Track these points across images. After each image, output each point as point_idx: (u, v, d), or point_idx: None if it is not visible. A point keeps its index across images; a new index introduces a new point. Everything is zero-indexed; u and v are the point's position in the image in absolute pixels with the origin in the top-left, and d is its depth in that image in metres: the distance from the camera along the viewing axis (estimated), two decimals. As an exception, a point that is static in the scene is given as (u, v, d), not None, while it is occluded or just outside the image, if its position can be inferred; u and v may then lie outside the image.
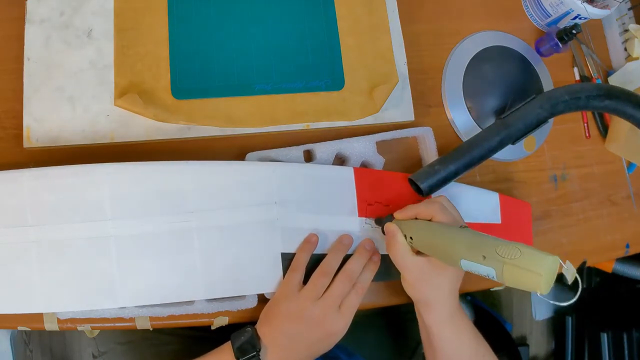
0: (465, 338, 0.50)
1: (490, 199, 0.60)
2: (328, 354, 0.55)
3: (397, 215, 0.51)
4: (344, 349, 0.60)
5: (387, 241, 0.50)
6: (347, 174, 0.53)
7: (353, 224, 0.53)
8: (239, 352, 0.45)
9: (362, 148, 0.56)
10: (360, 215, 0.53)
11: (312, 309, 0.47)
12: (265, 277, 0.50)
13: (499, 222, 0.60)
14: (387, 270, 0.54)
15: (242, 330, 0.47)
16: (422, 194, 0.52)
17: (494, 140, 0.51)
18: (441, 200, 0.49)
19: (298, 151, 0.54)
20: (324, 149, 0.55)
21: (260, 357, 0.45)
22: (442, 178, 0.51)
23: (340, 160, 0.57)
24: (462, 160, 0.51)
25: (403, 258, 0.48)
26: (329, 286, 0.48)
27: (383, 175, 0.55)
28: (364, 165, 0.57)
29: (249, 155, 0.53)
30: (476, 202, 0.59)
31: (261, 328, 0.47)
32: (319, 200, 0.52)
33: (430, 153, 0.59)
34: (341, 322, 0.48)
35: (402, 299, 0.57)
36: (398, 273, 0.54)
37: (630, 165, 0.70)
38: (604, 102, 0.51)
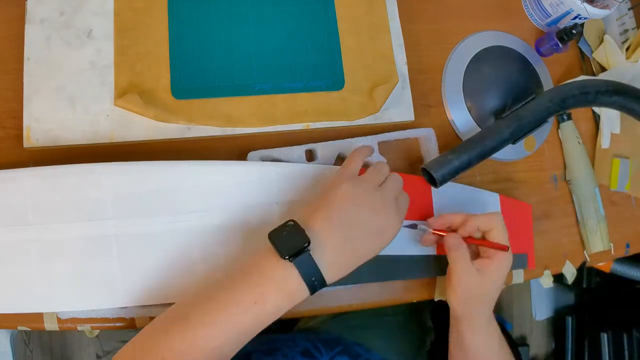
0: (495, 345, 0.51)
1: (490, 200, 0.60)
2: (351, 351, 0.55)
3: (459, 229, 0.52)
4: (362, 347, 0.60)
5: (450, 253, 0.50)
6: None
7: None
8: (285, 250, 0.38)
9: (363, 148, 0.56)
10: None
11: (375, 193, 0.44)
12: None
13: None
14: (390, 271, 0.54)
15: (282, 225, 0.41)
16: (436, 184, 0.51)
17: (506, 132, 0.51)
18: (500, 218, 0.50)
19: (300, 151, 0.54)
20: (325, 149, 0.55)
21: (310, 251, 0.39)
22: (455, 168, 0.51)
23: (342, 160, 0.57)
24: (475, 150, 0.51)
25: (459, 267, 0.49)
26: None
27: None
28: (366, 165, 0.57)
29: (250, 154, 0.53)
30: (477, 203, 0.59)
31: (314, 215, 0.41)
32: (319, 201, 0.52)
33: (431, 154, 0.59)
34: (398, 216, 0.44)
35: (410, 297, 0.57)
36: (403, 274, 0.54)
37: (630, 165, 0.70)
38: (612, 97, 0.51)
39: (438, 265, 0.56)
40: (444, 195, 0.57)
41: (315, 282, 0.39)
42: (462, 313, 0.51)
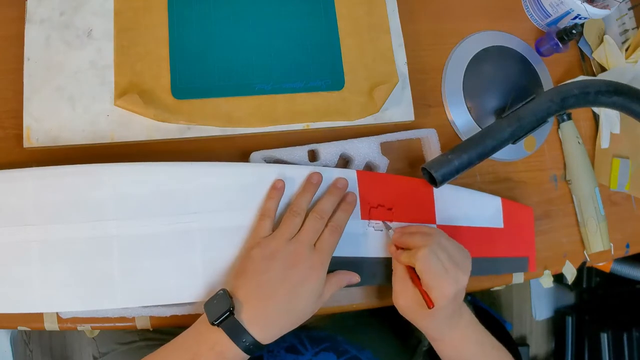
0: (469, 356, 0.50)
1: (492, 203, 0.60)
2: (339, 347, 0.55)
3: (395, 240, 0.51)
4: (354, 344, 0.60)
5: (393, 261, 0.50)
6: (350, 176, 0.53)
7: (356, 227, 0.52)
8: (212, 315, 0.41)
9: (366, 149, 0.56)
10: (363, 218, 0.53)
11: (286, 247, 0.44)
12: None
13: (502, 226, 0.60)
14: (389, 274, 0.54)
15: (214, 294, 0.44)
16: (436, 184, 0.51)
17: (506, 132, 0.51)
18: (431, 245, 0.47)
19: (302, 151, 0.54)
20: (328, 150, 0.55)
21: (235, 315, 0.42)
22: (455, 168, 0.51)
23: (344, 161, 0.57)
24: (476, 150, 0.51)
25: (397, 284, 0.49)
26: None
27: (386, 179, 0.55)
28: (368, 165, 0.57)
29: (253, 154, 0.53)
30: (479, 206, 0.59)
31: (235, 283, 0.44)
32: (321, 203, 0.52)
33: (434, 154, 0.59)
34: (316, 259, 0.45)
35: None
36: None
37: (630, 165, 0.71)
38: (612, 98, 0.51)
39: None
40: (446, 198, 0.57)
41: (247, 343, 0.41)
42: (411, 320, 0.50)
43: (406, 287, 0.48)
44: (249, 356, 0.42)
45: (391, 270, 0.52)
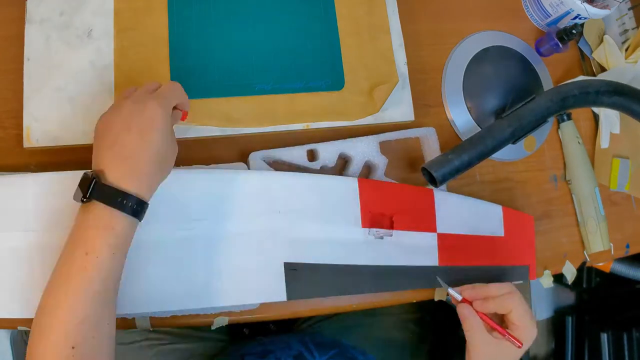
0: None
1: (493, 212, 0.60)
2: (346, 353, 0.54)
3: (469, 296, 0.52)
4: (358, 350, 0.60)
5: (463, 324, 0.51)
6: (351, 184, 0.53)
7: (356, 234, 0.52)
8: (81, 195, 0.39)
9: (365, 148, 0.56)
10: (363, 225, 0.53)
11: (124, 102, 0.42)
12: (267, 286, 0.49)
13: (502, 234, 0.60)
14: (388, 282, 0.54)
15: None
16: (436, 184, 0.51)
17: (506, 132, 0.51)
18: (517, 293, 0.50)
19: (301, 151, 0.54)
20: (327, 149, 0.55)
21: (102, 182, 0.39)
22: (455, 167, 0.50)
23: (343, 160, 0.57)
24: (476, 150, 0.51)
25: (475, 338, 0.49)
26: None
27: (387, 186, 0.55)
28: (367, 165, 0.57)
29: (252, 154, 0.53)
30: (480, 215, 0.59)
31: (93, 162, 0.42)
32: (322, 210, 0.52)
33: (433, 153, 0.59)
34: (154, 101, 0.42)
35: (410, 297, 0.57)
36: (406, 284, 0.54)
37: (630, 165, 0.70)
38: (612, 98, 0.51)
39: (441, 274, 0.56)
40: (447, 206, 0.57)
41: (129, 203, 0.39)
42: None
43: (489, 338, 0.49)
44: (139, 221, 0.41)
45: (390, 277, 0.51)
